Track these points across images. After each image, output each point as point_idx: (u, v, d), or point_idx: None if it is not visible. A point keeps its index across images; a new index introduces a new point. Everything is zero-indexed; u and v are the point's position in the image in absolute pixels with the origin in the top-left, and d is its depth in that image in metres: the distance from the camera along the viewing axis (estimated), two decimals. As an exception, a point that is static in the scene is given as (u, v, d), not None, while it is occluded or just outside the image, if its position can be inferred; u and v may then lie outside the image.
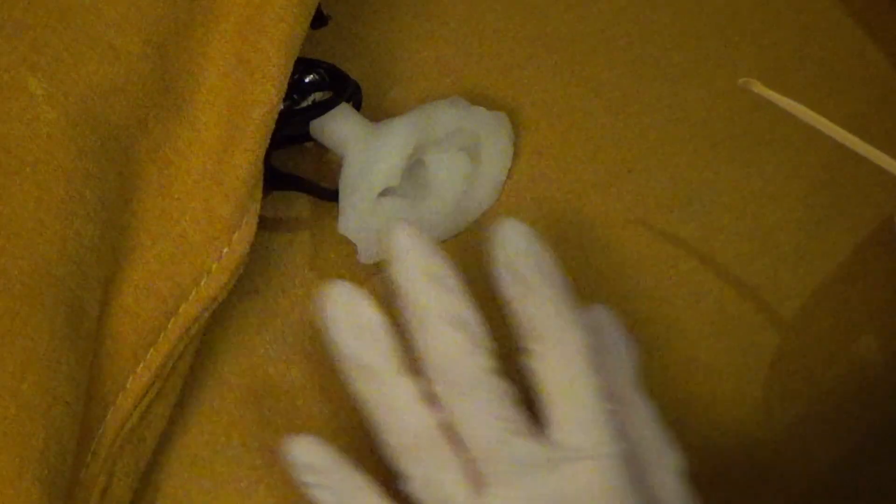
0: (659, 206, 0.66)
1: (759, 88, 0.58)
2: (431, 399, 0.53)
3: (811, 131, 0.67)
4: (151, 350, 0.55)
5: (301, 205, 0.65)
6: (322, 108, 0.62)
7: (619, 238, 0.66)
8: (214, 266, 0.56)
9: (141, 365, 0.55)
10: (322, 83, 0.62)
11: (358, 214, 0.60)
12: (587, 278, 0.64)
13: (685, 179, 0.67)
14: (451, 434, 0.52)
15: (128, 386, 0.55)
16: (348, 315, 0.53)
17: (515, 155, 0.66)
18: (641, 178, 0.67)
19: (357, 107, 0.64)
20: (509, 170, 0.66)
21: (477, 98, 0.66)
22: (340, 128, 0.62)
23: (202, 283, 0.56)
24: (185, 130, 0.57)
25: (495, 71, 0.67)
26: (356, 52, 0.67)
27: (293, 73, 0.59)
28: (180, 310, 0.56)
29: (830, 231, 0.67)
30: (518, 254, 0.54)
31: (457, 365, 0.52)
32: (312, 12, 0.58)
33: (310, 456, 0.53)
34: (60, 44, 0.53)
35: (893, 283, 0.68)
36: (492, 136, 0.64)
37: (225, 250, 0.57)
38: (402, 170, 0.60)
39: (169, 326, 0.55)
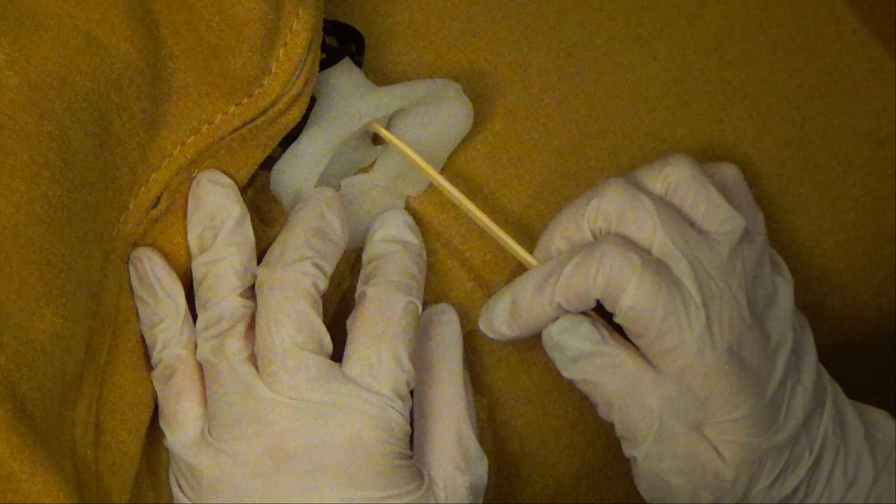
0: (633, 165, 0.65)
1: (380, 131, 0.61)
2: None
3: (783, 88, 0.67)
4: None
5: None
6: (328, 61, 0.61)
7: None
8: None
9: None
10: (323, 43, 0.61)
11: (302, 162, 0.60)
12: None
13: (659, 138, 0.66)
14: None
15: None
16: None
17: (490, 116, 0.65)
18: (615, 137, 0.66)
19: (359, 63, 0.63)
20: (485, 131, 0.65)
21: (450, 61, 0.65)
22: (339, 80, 0.61)
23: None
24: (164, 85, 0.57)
25: (468, 33, 0.66)
26: (326, 18, 0.66)
27: None
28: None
29: (802, 187, 0.67)
30: (388, 241, 0.60)
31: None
32: None
33: (145, 267, 0.57)
34: (21, 10, 0.52)
35: (865, 237, 0.68)
36: (441, 102, 0.63)
37: None
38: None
39: None
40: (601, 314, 0.60)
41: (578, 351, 0.59)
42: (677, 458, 0.59)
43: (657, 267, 0.57)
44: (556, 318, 0.59)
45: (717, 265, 0.58)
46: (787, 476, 0.60)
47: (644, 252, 0.58)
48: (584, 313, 0.60)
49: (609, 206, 0.59)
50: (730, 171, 0.62)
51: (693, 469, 0.59)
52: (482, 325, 0.61)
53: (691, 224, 0.59)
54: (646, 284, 0.57)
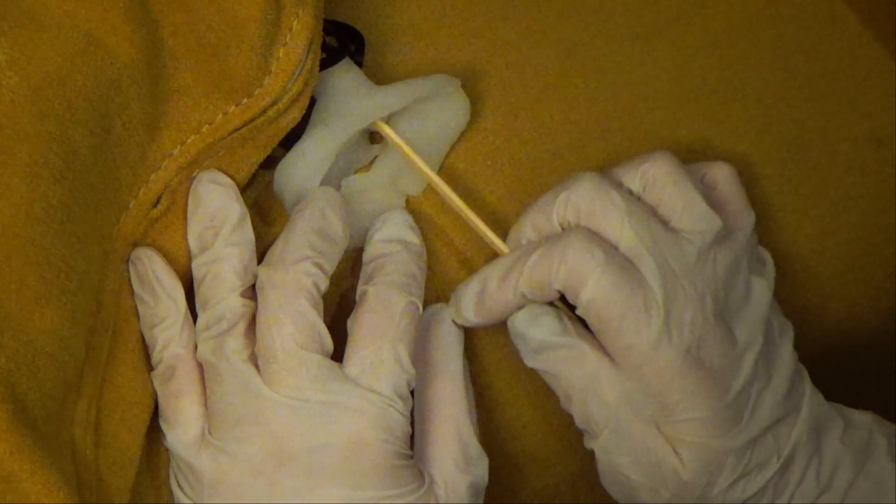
0: (633, 165, 0.65)
1: (384, 130, 0.61)
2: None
3: (783, 88, 0.67)
4: None
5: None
6: (328, 61, 0.60)
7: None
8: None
9: None
10: (323, 43, 0.61)
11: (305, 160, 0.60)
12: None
13: (659, 138, 0.66)
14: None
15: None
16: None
17: (490, 116, 0.65)
18: (615, 137, 0.66)
19: (360, 63, 0.62)
20: (485, 131, 0.65)
21: (450, 61, 0.65)
22: (339, 80, 0.61)
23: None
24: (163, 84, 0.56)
25: (468, 33, 0.66)
26: (326, 18, 0.66)
27: None
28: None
29: (802, 187, 0.67)
30: (388, 241, 0.60)
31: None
32: None
33: (145, 267, 0.57)
34: (21, 10, 0.52)
35: (865, 237, 0.67)
36: (440, 97, 0.63)
37: None
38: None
39: None
40: (569, 305, 0.60)
41: (540, 342, 0.59)
42: (633, 453, 0.59)
43: (620, 263, 0.57)
44: (521, 307, 0.59)
45: (685, 265, 0.58)
46: (750, 478, 0.59)
47: (609, 247, 0.58)
48: (551, 304, 0.60)
49: (579, 200, 0.59)
50: (722, 170, 0.62)
51: (650, 465, 0.59)
52: (451, 312, 0.61)
53: (665, 222, 0.59)
54: (606, 280, 0.57)
